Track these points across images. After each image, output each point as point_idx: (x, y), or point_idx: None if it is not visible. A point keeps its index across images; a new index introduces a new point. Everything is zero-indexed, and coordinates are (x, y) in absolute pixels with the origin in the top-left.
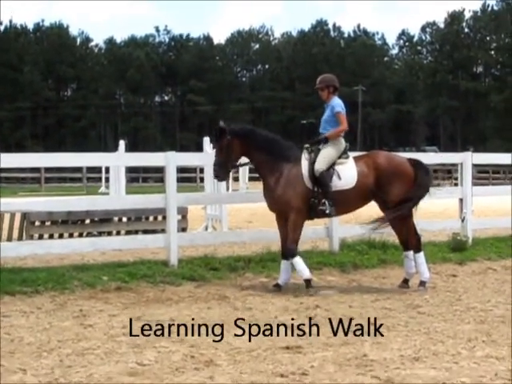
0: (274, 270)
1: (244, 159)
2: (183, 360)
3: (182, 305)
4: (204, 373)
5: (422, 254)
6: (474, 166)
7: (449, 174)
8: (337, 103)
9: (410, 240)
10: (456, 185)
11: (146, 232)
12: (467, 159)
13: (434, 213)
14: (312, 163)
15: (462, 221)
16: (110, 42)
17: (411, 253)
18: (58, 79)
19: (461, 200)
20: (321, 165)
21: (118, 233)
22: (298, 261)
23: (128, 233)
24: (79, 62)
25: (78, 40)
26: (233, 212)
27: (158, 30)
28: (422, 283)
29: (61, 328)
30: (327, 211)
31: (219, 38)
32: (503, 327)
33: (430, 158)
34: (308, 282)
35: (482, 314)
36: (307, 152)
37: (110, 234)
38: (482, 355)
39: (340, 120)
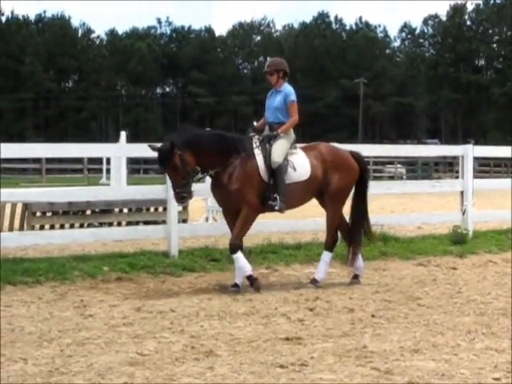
0: (275, 261)
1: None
2: (183, 350)
3: (183, 296)
4: (204, 363)
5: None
6: (476, 159)
7: (450, 166)
8: (290, 91)
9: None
10: (457, 177)
11: (146, 223)
12: (468, 152)
13: (435, 205)
14: (268, 155)
15: (463, 213)
16: (112, 33)
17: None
18: (59, 70)
19: (462, 193)
20: (277, 157)
21: (119, 224)
22: (240, 256)
23: (129, 224)
24: (81, 54)
25: (80, 31)
26: None
27: (159, 21)
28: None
29: (61, 318)
30: (276, 207)
31: (221, 30)
32: (503, 320)
33: (432, 150)
34: (250, 278)
35: (481, 307)
36: (260, 144)
37: (110, 224)
38: (482, 347)
39: (292, 110)
